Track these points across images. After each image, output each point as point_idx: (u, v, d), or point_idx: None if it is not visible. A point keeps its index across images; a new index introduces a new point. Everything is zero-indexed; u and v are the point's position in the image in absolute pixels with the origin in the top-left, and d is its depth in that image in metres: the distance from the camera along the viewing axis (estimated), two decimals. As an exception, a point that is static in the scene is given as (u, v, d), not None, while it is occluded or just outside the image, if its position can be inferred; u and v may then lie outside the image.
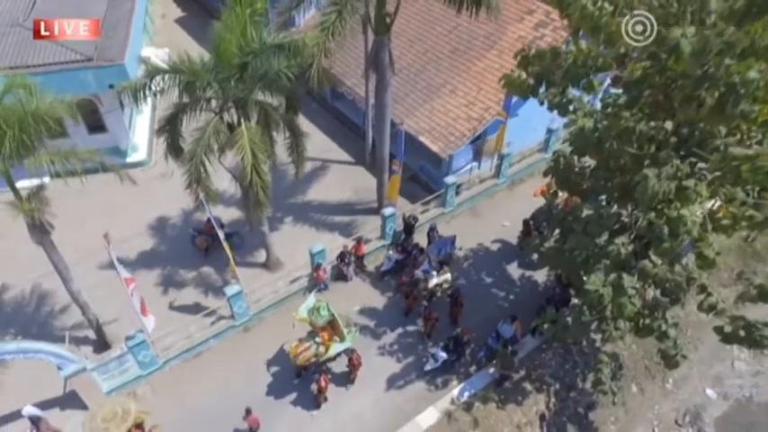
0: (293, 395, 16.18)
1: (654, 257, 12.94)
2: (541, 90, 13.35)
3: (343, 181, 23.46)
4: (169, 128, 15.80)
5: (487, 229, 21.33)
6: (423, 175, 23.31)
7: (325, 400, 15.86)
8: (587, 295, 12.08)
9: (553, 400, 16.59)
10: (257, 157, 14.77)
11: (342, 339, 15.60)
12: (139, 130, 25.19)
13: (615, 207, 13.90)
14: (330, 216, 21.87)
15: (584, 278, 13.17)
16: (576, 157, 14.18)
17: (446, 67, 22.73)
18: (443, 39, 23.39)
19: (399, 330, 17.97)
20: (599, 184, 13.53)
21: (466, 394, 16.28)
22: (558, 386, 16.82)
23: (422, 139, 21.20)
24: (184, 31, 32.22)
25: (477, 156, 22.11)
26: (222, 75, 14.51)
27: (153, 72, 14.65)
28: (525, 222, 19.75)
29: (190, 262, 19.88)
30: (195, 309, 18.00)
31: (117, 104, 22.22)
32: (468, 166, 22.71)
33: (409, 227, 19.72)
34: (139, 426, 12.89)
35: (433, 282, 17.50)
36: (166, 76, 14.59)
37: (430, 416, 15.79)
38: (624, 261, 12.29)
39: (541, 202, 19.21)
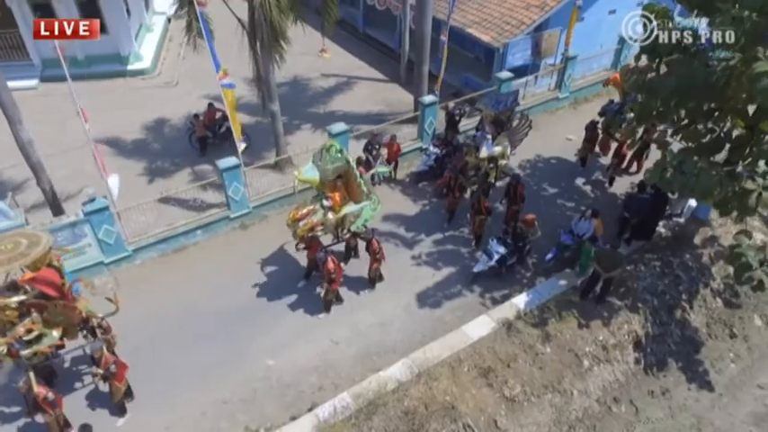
0: (294, 296, 12.17)
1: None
2: None
3: (375, 94, 19.95)
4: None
5: (549, 142, 17.31)
6: (467, 90, 19.56)
7: (339, 300, 11.81)
8: (758, 83, 7.89)
9: (651, 321, 12.10)
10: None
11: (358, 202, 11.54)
12: (147, 46, 22.36)
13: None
14: (357, 125, 18.16)
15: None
16: None
17: (499, -42, 19.34)
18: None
19: (438, 236, 13.92)
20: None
21: (532, 304, 11.98)
22: (656, 303, 12.35)
23: (470, 30, 17.64)
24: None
25: (537, 54, 18.27)
26: None
27: None
28: (590, 126, 15.64)
29: (185, 159, 16.37)
30: (185, 204, 14.39)
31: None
32: (524, 79, 18.89)
33: (453, 121, 15.88)
34: (56, 269, 8.93)
35: (485, 152, 13.19)
36: None
37: (482, 326, 11.49)
38: None
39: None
